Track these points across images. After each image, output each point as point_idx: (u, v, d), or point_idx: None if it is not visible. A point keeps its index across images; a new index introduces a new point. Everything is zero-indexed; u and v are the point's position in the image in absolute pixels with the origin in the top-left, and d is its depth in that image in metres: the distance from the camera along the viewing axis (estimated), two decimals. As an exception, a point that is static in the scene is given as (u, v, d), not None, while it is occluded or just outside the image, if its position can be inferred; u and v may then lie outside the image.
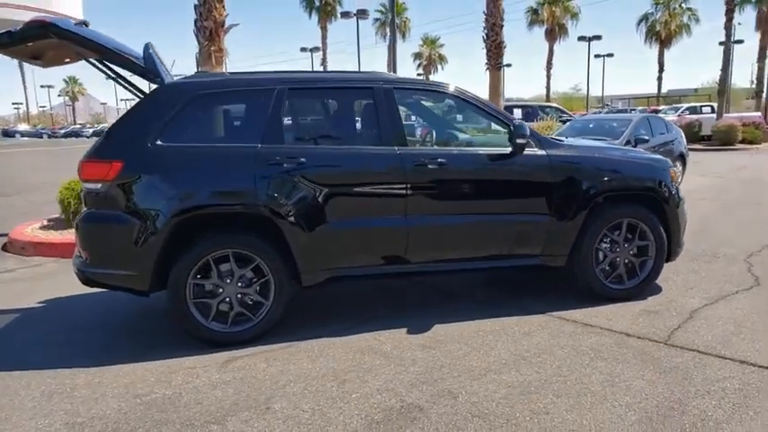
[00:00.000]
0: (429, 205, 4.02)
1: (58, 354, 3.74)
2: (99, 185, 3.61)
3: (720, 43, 45.46)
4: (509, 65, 52.28)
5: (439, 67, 70.65)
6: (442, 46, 60.78)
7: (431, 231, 4.02)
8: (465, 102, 4.27)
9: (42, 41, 3.75)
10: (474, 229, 4.12)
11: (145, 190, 3.61)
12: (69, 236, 6.80)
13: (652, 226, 4.39)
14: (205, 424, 2.81)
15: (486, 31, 15.81)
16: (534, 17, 47.09)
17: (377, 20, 49.79)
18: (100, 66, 4.40)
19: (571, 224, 4.22)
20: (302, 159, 3.77)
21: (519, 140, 4.05)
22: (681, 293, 4.53)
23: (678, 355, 3.43)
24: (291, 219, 3.73)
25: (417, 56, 68.89)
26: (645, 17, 42.94)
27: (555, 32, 47.00)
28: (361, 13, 34.51)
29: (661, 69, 43.39)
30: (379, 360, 3.48)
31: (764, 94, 31.77)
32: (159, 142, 3.63)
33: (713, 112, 29.06)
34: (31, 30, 3.58)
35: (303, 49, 60.86)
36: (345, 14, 33.63)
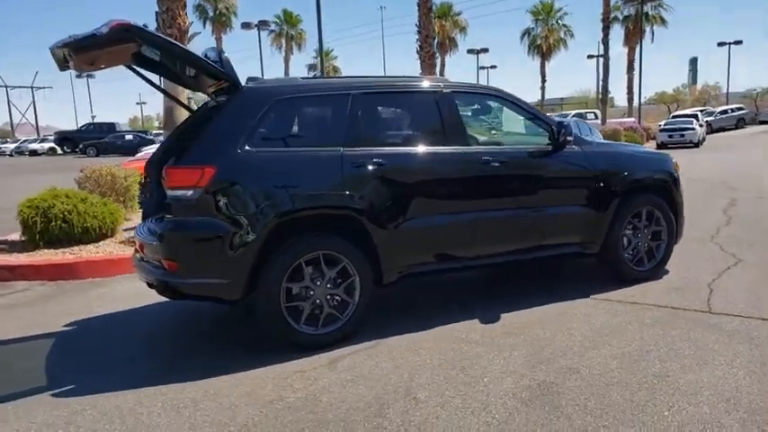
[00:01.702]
0: (491, 200, 4.29)
1: (138, 370, 3.54)
2: (190, 192, 3.48)
3: (589, 56, 49.91)
4: (403, 76, 53.98)
5: (333, 78, 71.17)
6: (335, 58, 61.37)
7: (493, 225, 4.29)
8: (512, 103, 4.60)
9: (119, 46, 3.56)
10: (527, 221, 4.44)
11: (238, 196, 3.53)
12: (41, 257, 6.28)
13: (665, 213, 4.97)
14: (367, 418, 2.85)
15: (419, 42, 16.46)
16: (427, 30, 49.02)
17: (272, 31, 49.35)
18: (139, 72, 4.25)
19: (605, 213, 4.67)
20: (382, 161, 3.88)
21: (561, 137, 4.43)
22: (689, 272, 5.14)
23: (728, 321, 3.94)
24: (376, 218, 3.83)
25: (312, 67, 69.15)
26: (527, 32, 46.31)
27: (446, 45, 49.21)
28: (263, 24, 34.14)
29: (543, 80, 46.94)
30: (479, 348, 3.67)
31: (635, 101, 35.46)
32: (248, 147, 3.59)
33: (596, 118, 32.02)
34: (117, 33, 3.39)
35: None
36: (246, 25, 33.05)
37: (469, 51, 48.81)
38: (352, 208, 3.78)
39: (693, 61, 72.66)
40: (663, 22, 40.24)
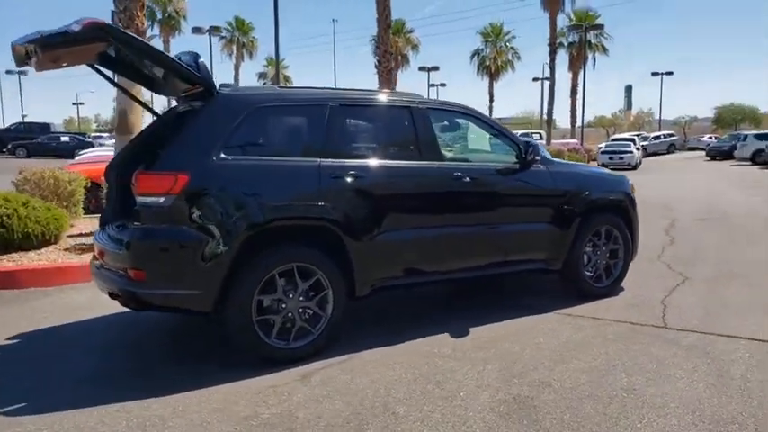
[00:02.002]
0: (463, 216, 4.34)
1: (98, 387, 3.35)
2: (161, 199, 3.35)
3: (534, 79, 51.55)
4: (354, 89, 54.18)
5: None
6: (287, 67, 60.88)
7: (465, 240, 4.34)
8: (481, 122, 4.69)
9: (89, 45, 3.42)
10: (497, 237, 4.52)
11: (212, 205, 3.43)
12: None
13: (622, 231, 5.17)
14: (347, 434, 2.80)
15: (377, 57, 16.58)
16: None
17: (222, 37, 48.53)
18: (101, 71, 4.11)
19: (568, 231, 4.81)
20: (360, 173, 3.87)
21: (529, 156, 4.56)
22: (642, 289, 5.34)
23: (684, 336, 4.12)
24: (352, 230, 3.80)
25: (262, 75, 68.39)
26: (477, 52, 47.45)
27: (399, 61, 49.74)
28: (215, 30, 33.59)
29: (491, 99, 48.16)
30: (452, 362, 3.69)
31: (578, 124, 36.94)
32: (223, 155, 3.50)
33: (541, 138, 33.10)
34: (90, 32, 3.24)
35: (137, 63, 57.20)
36: (197, 30, 32.39)
37: (421, 69, 49.53)
38: (329, 219, 3.74)
39: (629, 88, 76.51)
40: (604, 50, 42.28)
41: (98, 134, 45.37)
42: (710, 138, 46.19)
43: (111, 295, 3.73)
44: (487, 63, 47.26)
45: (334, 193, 3.75)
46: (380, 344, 3.98)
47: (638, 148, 31.11)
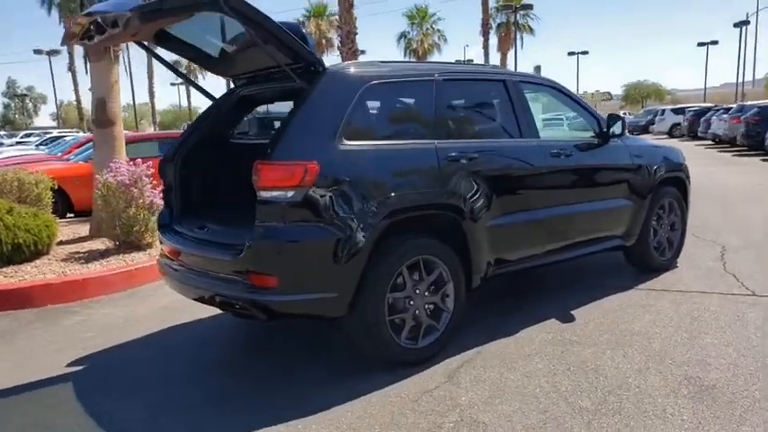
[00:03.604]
0: (563, 194, 4.17)
1: (219, 407, 2.92)
2: (290, 193, 2.92)
3: (456, 61, 52.14)
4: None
5: (200, 76, 67.97)
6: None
7: (565, 219, 4.17)
8: (565, 95, 4.53)
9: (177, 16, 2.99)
10: (592, 214, 4.38)
11: (343, 196, 3.03)
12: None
13: (680, 203, 5.20)
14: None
15: (340, 38, 15.99)
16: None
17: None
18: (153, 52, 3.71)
19: (643, 205, 4.76)
20: (474, 154, 3.58)
21: (612, 130, 4.44)
22: (691, 260, 5.40)
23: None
24: (471, 217, 3.53)
25: (175, 64, 65.10)
26: (403, 35, 47.39)
27: (323, 45, 48.87)
28: None
29: (419, 82, 48.32)
30: (588, 349, 3.52)
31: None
32: (345, 140, 3.11)
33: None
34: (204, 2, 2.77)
35: (37, 52, 52.63)
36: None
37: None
38: (451, 206, 3.44)
39: (537, 69, 79.53)
40: (531, 30, 43.45)
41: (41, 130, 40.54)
42: (626, 114, 48.80)
43: (204, 301, 3.30)
44: (414, 46, 47.32)
45: (452, 177, 3.45)
46: (495, 336, 3.75)
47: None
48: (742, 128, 17.86)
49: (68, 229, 7.69)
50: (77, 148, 13.68)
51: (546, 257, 4.15)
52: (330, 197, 3.00)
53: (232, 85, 4.19)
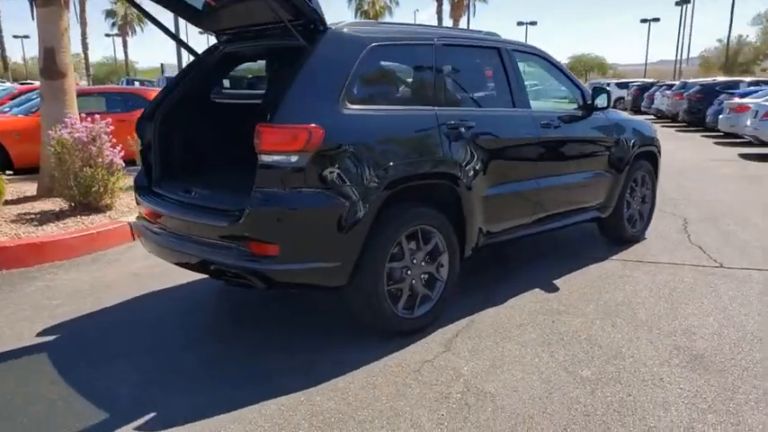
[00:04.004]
0: (550, 165, 4.19)
1: (215, 381, 2.81)
2: (294, 158, 2.77)
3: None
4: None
5: (138, 28, 64.45)
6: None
7: (550, 191, 4.19)
8: (551, 65, 4.49)
9: None
10: (577, 185, 4.44)
11: (348, 162, 2.90)
12: None
13: (651, 176, 5.34)
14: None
15: None
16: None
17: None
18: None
19: (620, 178, 4.85)
20: (472, 123, 3.52)
21: (596, 103, 4.47)
22: (656, 231, 5.60)
23: (748, 274, 4.39)
24: (468, 186, 3.48)
25: (110, 13, 62.07)
26: (355, -5, 46.42)
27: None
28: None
29: (370, 45, 47.66)
30: (577, 319, 3.58)
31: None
32: (348, 103, 2.97)
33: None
34: None
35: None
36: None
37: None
38: (450, 175, 3.38)
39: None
40: (484, -1, 43.44)
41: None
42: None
43: (184, 266, 3.19)
44: (365, 7, 46.53)
45: (452, 145, 3.38)
46: (483, 305, 3.76)
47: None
48: (685, 104, 18.59)
49: (11, 187, 7.14)
50: (11, 99, 12.74)
51: (533, 227, 4.18)
52: (335, 163, 2.87)
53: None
